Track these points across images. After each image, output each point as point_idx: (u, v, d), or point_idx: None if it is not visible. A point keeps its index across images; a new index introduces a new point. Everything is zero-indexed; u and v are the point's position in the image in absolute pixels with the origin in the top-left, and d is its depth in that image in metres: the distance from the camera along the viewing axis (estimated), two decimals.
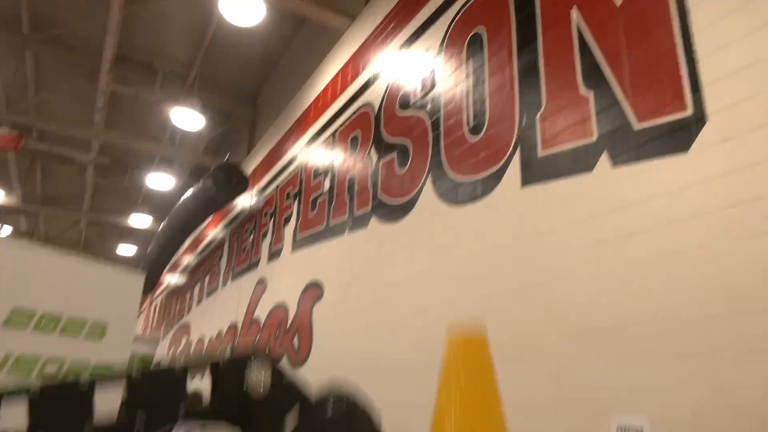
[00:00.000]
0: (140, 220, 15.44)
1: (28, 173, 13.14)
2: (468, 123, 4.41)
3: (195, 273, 13.51)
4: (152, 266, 11.77)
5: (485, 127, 4.20)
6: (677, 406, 2.56)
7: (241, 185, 10.33)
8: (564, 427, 3.04)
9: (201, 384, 0.81)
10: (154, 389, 0.74)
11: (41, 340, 2.00)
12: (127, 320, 2.37)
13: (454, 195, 4.38)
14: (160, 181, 12.86)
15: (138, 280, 2.51)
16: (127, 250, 17.28)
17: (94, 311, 2.20)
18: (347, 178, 6.31)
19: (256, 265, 9.05)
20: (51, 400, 0.70)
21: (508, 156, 3.89)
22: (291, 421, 0.80)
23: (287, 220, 8.00)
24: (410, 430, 4.34)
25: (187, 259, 13.69)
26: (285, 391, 0.83)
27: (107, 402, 0.79)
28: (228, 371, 0.79)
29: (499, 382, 3.51)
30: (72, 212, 15.43)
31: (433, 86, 5.02)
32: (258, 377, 0.78)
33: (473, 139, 4.30)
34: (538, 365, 3.28)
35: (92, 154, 12.04)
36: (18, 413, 0.67)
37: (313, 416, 0.82)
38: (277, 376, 0.81)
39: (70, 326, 2.12)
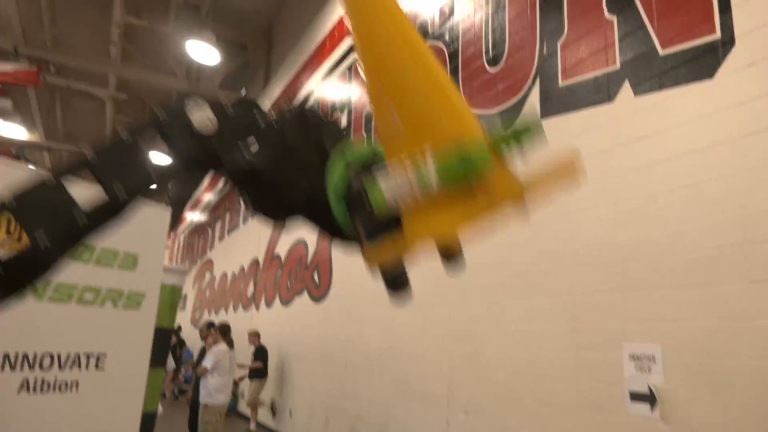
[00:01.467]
0: (159, 158, 15.54)
1: (49, 110, 13.25)
2: (487, 53, 4.30)
3: (216, 210, 13.77)
4: (175, 203, 12.02)
5: (504, 57, 4.09)
6: (689, 333, 2.63)
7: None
8: (577, 355, 3.16)
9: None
10: (116, 162, 0.79)
11: (78, 270, 2.12)
12: (156, 251, 2.49)
13: None
14: None
15: (164, 213, 2.61)
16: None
17: (124, 243, 2.32)
18: (364, 113, 6.25)
19: None
20: (32, 203, 0.75)
21: (528, 87, 3.81)
22: (251, 143, 0.83)
23: None
24: (426, 362, 4.55)
25: (208, 197, 13.92)
26: (234, 118, 0.83)
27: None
28: (173, 123, 0.82)
29: (516, 315, 3.62)
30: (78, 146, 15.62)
31: (451, 14, 4.86)
32: (202, 116, 0.81)
33: (492, 70, 4.21)
34: (553, 298, 3.37)
35: (110, 90, 12.05)
36: None
37: (268, 130, 0.84)
38: (219, 109, 0.83)
39: (104, 256, 2.24)
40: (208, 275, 13.27)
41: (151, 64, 11.66)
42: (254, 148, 0.82)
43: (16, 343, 1.99)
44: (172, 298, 2.98)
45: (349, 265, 6.07)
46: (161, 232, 2.56)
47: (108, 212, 0.78)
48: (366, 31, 0.77)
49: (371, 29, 0.76)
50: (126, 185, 0.77)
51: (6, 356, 1.96)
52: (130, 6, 9.66)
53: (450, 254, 0.72)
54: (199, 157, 0.81)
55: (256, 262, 9.62)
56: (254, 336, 7.42)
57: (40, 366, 2.05)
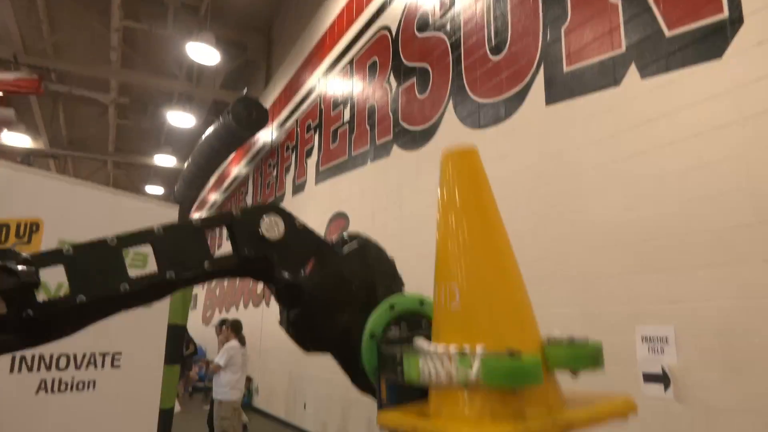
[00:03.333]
0: (165, 160, 15.65)
1: (52, 117, 13.30)
2: (490, 41, 4.27)
3: (222, 209, 13.80)
4: (181, 203, 12.05)
5: (507, 45, 4.07)
6: (702, 314, 2.62)
7: (261, 119, 10.28)
8: (590, 338, 3.14)
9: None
10: (176, 245, 0.80)
11: None
12: None
13: (477, 118, 4.32)
14: (180, 119, 12.86)
15: (173, 212, 2.61)
16: (155, 190, 17.64)
17: None
18: (367, 107, 6.24)
19: (281, 199, 9.19)
20: (85, 259, 0.75)
21: (532, 74, 3.79)
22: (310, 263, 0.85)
23: (309, 152, 8.02)
24: None
25: (214, 197, 13.95)
26: (300, 234, 0.87)
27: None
28: (242, 222, 0.83)
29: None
30: (98, 154, 15.71)
31: (452, 4, 4.83)
32: (271, 222, 0.82)
33: (495, 59, 4.18)
34: (565, 282, 3.36)
35: (112, 95, 12.07)
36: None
37: (328, 255, 0.86)
38: (290, 221, 0.85)
39: None
40: None
41: (151, 67, 11.67)
42: (310, 269, 0.84)
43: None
44: (183, 295, 2.98)
45: None
46: None
47: (153, 290, 0.80)
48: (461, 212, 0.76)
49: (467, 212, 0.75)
50: (179, 270, 0.78)
51: (23, 358, 1.97)
52: (129, 10, 9.66)
53: None
54: (255, 260, 0.82)
55: None
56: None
57: (57, 366, 2.06)
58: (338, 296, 0.85)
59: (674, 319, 2.74)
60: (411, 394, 0.67)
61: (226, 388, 5.18)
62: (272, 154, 10.04)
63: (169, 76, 11.67)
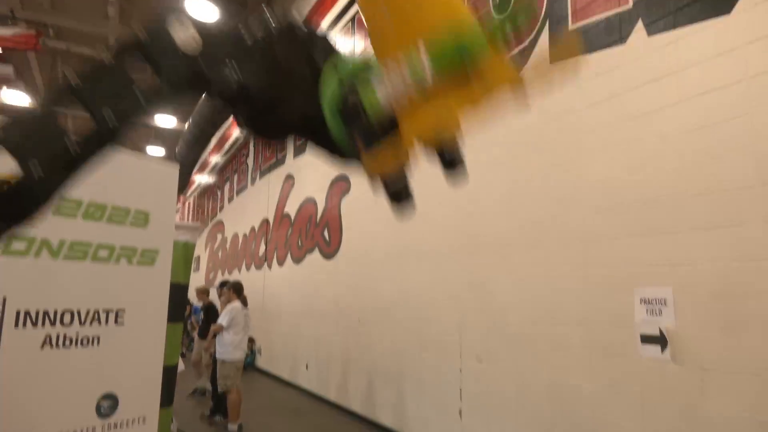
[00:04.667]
0: (165, 120, 15.53)
1: (51, 75, 13.10)
2: None
3: (224, 172, 13.77)
4: (182, 165, 12.01)
5: (512, 1, 3.96)
6: (701, 275, 2.63)
7: None
8: (589, 300, 3.18)
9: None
10: (102, 88, 0.78)
11: (91, 228, 2.14)
12: (167, 209, 2.49)
13: None
14: None
15: (173, 170, 2.60)
16: (156, 151, 17.56)
17: (136, 200, 2.32)
18: None
19: (282, 161, 9.15)
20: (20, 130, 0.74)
21: (537, 31, 3.70)
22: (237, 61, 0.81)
23: None
24: (438, 312, 4.61)
25: (215, 159, 13.89)
26: (219, 36, 0.79)
27: None
28: (155, 44, 0.79)
29: (527, 262, 3.64)
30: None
31: None
32: (185, 34, 0.78)
33: (500, 16, 4.08)
34: (565, 245, 3.36)
35: (106, 51, 11.84)
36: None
37: (256, 44, 0.82)
38: (199, 24, 0.81)
39: (115, 214, 2.25)
40: (219, 236, 13.39)
41: (147, 20, 11.42)
42: (243, 65, 0.79)
43: (36, 301, 2.03)
44: (185, 255, 3.01)
45: (359, 221, 6.09)
46: (171, 189, 2.56)
47: (99, 140, 0.77)
48: None
49: None
50: (115, 110, 0.75)
51: (27, 313, 2.00)
52: None
53: (450, 157, 0.70)
54: (185, 78, 0.77)
55: (266, 221, 9.68)
56: (202, 293, 7.45)
57: (62, 322, 2.09)
58: (282, 81, 0.80)
59: (673, 280, 2.76)
60: (387, 132, 0.68)
61: (228, 348, 5.28)
62: None
63: None
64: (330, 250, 6.72)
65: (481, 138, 3.55)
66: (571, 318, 3.28)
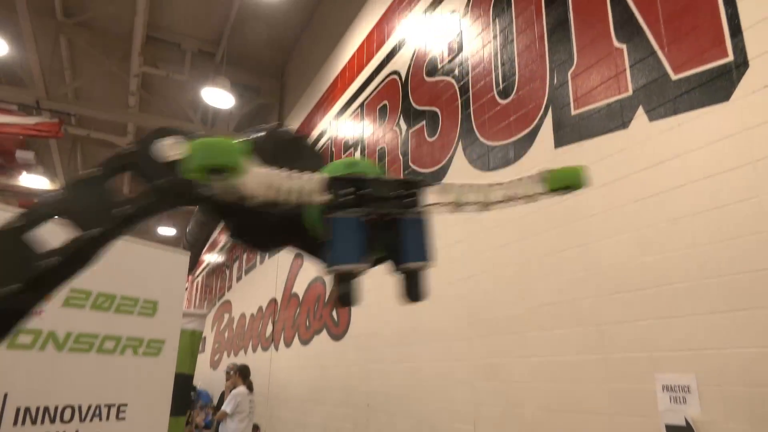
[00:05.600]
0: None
1: (70, 159, 13.60)
2: (497, 85, 4.33)
3: (233, 251, 13.85)
4: (192, 245, 12.14)
5: (515, 89, 4.12)
6: (725, 361, 2.53)
7: None
8: (609, 387, 3.05)
9: None
10: (87, 202, 0.76)
11: (99, 318, 2.12)
12: (176, 297, 2.48)
13: (486, 160, 4.34)
14: None
15: (184, 258, 2.61)
16: (167, 231, 17.82)
17: (144, 289, 2.31)
18: (377, 150, 6.31)
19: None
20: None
21: (540, 117, 3.81)
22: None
23: None
24: (451, 399, 4.43)
25: (224, 238, 14.02)
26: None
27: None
28: (147, 156, 0.78)
29: (542, 347, 3.53)
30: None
31: (460, 50, 4.93)
32: (173, 145, 0.77)
33: (504, 102, 4.23)
34: (580, 328, 3.28)
35: (128, 138, 12.35)
36: None
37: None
38: (188, 137, 0.79)
39: (124, 304, 2.24)
40: (226, 316, 13.24)
41: (167, 111, 11.97)
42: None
43: (36, 397, 1.97)
44: (191, 344, 2.96)
45: (368, 302, 6.02)
46: (180, 278, 2.56)
47: (82, 250, 0.76)
48: None
49: None
50: (99, 223, 0.76)
51: (27, 410, 1.95)
52: (148, 57, 9.99)
53: (413, 286, 0.73)
54: (171, 187, 0.79)
55: (274, 301, 9.59)
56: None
57: (62, 419, 2.02)
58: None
59: (696, 366, 2.65)
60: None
61: None
62: None
63: (185, 119, 11.95)
64: (338, 331, 6.60)
65: (492, 218, 3.58)
66: (590, 406, 3.13)
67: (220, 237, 14.15)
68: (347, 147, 7.25)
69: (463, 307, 4.32)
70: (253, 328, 10.73)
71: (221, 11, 9.78)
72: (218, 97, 9.93)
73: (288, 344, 8.43)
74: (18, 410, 1.91)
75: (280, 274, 9.47)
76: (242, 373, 5.55)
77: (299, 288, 8.32)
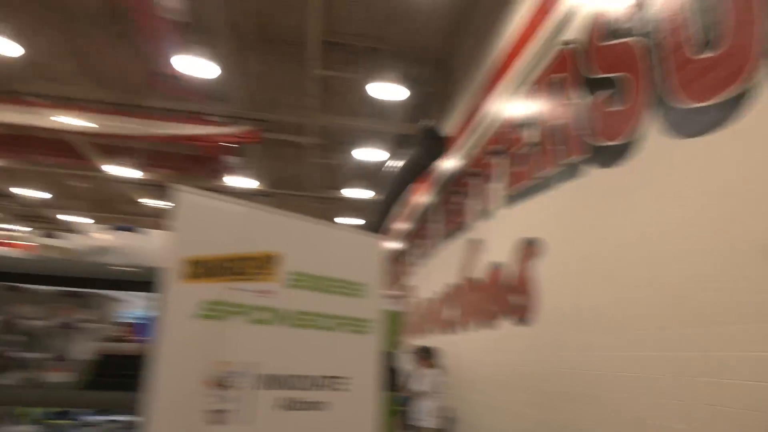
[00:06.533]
0: (353, 192, 17.30)
1: (261, 160, 15.47)
2: (695, 39, 3.83)
3: (410, 238, 14.40)
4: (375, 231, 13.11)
5: (718, 41, 3.60)
6: None
7: (443, 148, 10.65)
8: None
9: None
10: None
11: (317, 299, 2.40)
12: (378, 279, 2.69)
13: (685, 125, 3.87)
14: (367, 154, 14.09)
15: (379, 241, 2.82)
16: (352, 222, 19.39)
17: (352, 272, 2.56)
18: (554, 126, 6.02)
19: (468, 226, 9.25)
20: None
21: (753, 71, 3.28)
22: None
23: (495, 177, 7.98)
24: (661, 396, 4.04)
25: (402, 225, 14.64)
26: None
27: None
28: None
29: None
30: (300, 191, 17.81)
31: (643, 5, 4.46)
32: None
33: (705, 56, 3.72)
34: None
35: (310, 137, 13.57)
36: None
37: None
38: None
39: (339, 287, 2.50)
40: (410, 300, 13.87)
41: (342, 109, 12.88)
42: None
43: (277, 366, 2.29)
44: (394, 323, 3.18)
45: (552, 288, 5.81)
46: (379, 259, 2.77)
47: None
48: None
49: None
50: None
51: (264, 377, 2.27)
52: (326, 62, 10.85)
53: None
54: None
55: (454, 285, 9.77)
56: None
57: (293, 386, 2.32)
58: None
59: None
60: None
61: (426, 416, 5.31)
62: (457, 180, 10.21)
63: (358, 115, 12.77)
64: (521, 318, 6.48)
65: (690, 195, 3.18)
66: None
67: (396, 225, 14.83)
68: (521, 126, 7.05)
69: (655, 292, 3.94)
70: (434, 312, 11.07)
71: (383, 7, 10.20)
72: (387, 90, 10.41)
73: (471, 328, 8.52)
74: (262, 377, 2.25)
75: (458, 259, 9.60)
76: (433, 355, 5.77)
77: (479, 273, 8.35)
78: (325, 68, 11.00)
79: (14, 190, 20.48)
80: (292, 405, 2.28)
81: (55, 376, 2.37)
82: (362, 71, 11.07)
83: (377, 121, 12.68)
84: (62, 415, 3.06)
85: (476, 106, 9.09)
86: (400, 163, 12.07)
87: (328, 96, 12.29)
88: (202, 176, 15.67)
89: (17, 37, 9.80)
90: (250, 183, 15.93)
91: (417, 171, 11.38)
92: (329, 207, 19.61)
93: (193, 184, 2.28)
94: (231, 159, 13.58)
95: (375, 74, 10.55)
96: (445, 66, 11.96)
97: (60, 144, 14.57)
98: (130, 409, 2.81)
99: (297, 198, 18.56)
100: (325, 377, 2.37)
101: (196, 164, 15.23)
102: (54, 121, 12.05)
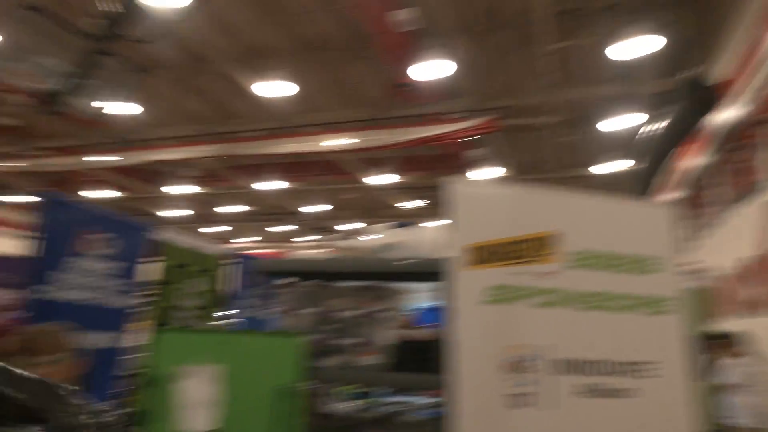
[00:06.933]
0: (607, 167, 15.86)
1: (503, 147, 15.38)
2: None
3: (682, 208, 12.62)
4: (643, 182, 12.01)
5: None
6: None
7: (714, 99, 9.07)
8: None
9: None
10: None
11: (606, 278, 2.22)
12: (673, 251, 2.37)
13: None
14: (618, 122, 12.71)
15: (669, 211, 2.49)
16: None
17: (642, 245, 2.30)
18: None
19: (764, 186, 7.66)
20: None
21: None
22: None
23: None
24: None
25: (670, 195, 12.93)
26: None
27: None
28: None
29: None
30: (543, 173, 17.19)
31: None
32: None
33: None
34: None
35: (552, 116, 12.98)
36: None
37: None
38: None
39: (628, 262, 2.27)
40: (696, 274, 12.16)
41: (583, 79, 11.99)
42: None
43: (565, 350, 2.18)
44: (698, 303, 2.77)
45: None
46: (671, 232, 2.43)
47: None
48: None
49: None
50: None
51: (559, 361, 2.17)
52: (560, 34, 10.28)
53: None
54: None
55: (757, 258, 8.17)
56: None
57: (592, 372, 2.18)
58: None
59: None
60: None
61: (741, 413, 4.51)
62: (741, 134, 8.56)
63: (598, 81, 11.76)
64: None
65: None
66: None
67: (661, 195, 13.19)
68: None
69: None
70: (731, 290, 9.43)
71: None
72: (633, 47, 9.31)
73: None
74: (557, 362, 2.16)
75: (760, 225, 8.00)
76: (739, 341, 4.88)
77: None
78: (560, 40, 10.40)
79: (301, 208, 24.56)
80: (594, 391, 2.14)
81: (365, 359, 2.68)
82: (601, 33, 10.13)
83: (625, 84, 11.45)
84: (363, 395, 3.45)
85: (757, 38, 7.46)
86: (659, 126, 10.68)
87: (565, 69, 11.60)
88: (450, 172, 16.44)
89: (292, 77, 11.64)
90: (497, 172, 16.11)
91: (683, 131, 9.92)
92: (578, 187, 18.57)
93: (446, 181, 2.32)
94: (475, 151, 13.90)
95: (617, 33, 9.54)
96: (705, 1, 10.16)
97: (329, 164, 16.98)
98: (428, 390, 3.03)
99: (544, 181, 18.04)
100: (626, 363, 2.16)
101: (443, 162, 16.02)
102: (323, 145, 14.10)
